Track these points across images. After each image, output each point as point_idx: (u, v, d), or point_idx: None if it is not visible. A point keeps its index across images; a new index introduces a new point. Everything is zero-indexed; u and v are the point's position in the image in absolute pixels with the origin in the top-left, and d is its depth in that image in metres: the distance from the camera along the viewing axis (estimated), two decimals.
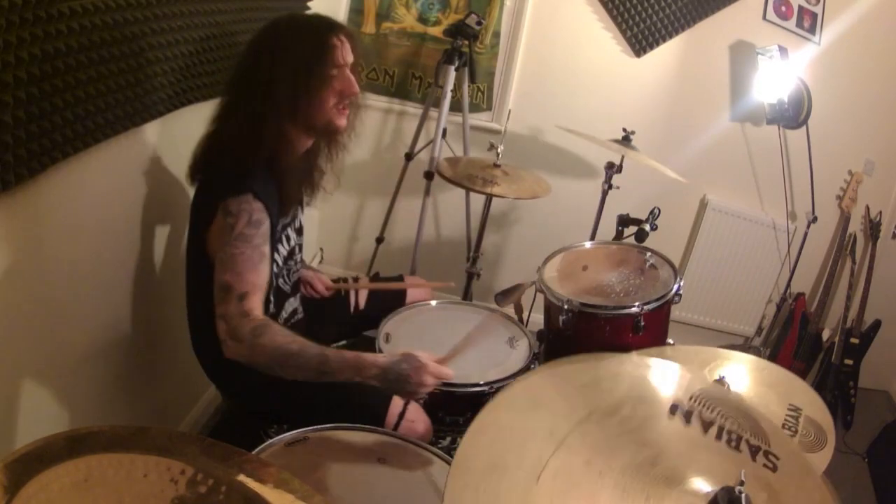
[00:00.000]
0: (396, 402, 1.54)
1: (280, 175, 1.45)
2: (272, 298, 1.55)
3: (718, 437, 0.89)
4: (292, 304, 1.70)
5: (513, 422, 0.87)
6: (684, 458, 0.84)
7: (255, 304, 1.31)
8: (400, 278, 2.05)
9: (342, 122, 1.51)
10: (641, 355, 1.05)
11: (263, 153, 1.42)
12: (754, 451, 0.88)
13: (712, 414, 0.92)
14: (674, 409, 0.91)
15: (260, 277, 1.35)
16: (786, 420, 1.22)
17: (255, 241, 1.35)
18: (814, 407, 1.27)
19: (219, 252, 1.35)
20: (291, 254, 1.65)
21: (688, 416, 0.91)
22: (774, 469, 0.86)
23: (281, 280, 1.61)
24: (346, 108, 1.51)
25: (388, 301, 1.96)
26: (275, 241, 1.49)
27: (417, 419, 1.54)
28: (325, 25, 1.47)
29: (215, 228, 1.38)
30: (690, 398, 0.94)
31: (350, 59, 1.48)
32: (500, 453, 0.81)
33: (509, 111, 2.84)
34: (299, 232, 1.66)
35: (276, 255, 1.54)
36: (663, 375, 0.98)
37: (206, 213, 1.40)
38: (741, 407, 0.94)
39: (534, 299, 2.26)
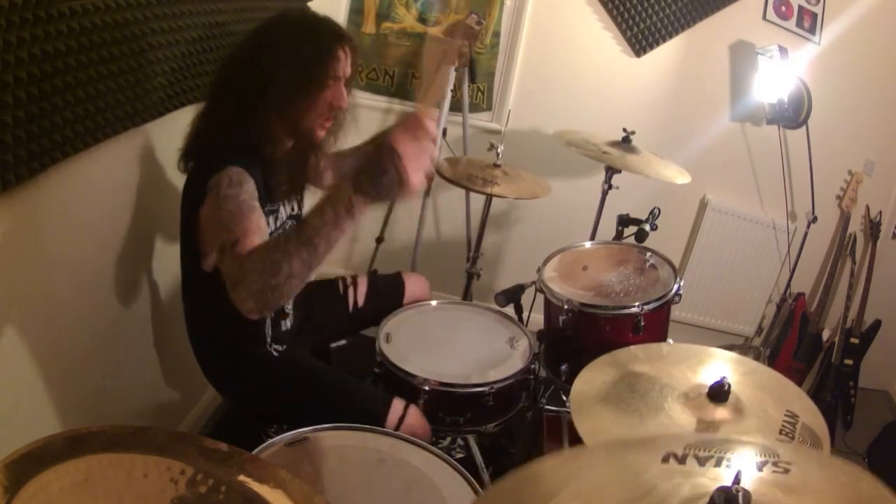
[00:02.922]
0: (396, 407, 1.54)
1: (266, 164, 1.44)
2: None
3: (717, 465, 0.88)
4: None
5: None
6: (681, 482, 0.83)
7: (247, 246, 1.25)
8: (398, 275, 2.05)
9: (321, 133, 1.50)
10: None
11: (248, 141, 1.40)
12: (760, 465, 0.86)
13: (709, 452, 0.90)
14: (667, 457, 0.89)
15: (251, 223, 1.29)
16: (783, 425, 1.22)
17: (241, 196, 1.32)
18: (809, 414, 1.26)
19: (208, 225, 1.32)
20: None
21: (683, 459, 0.88)
22: (786, 472, 0.84)
23: None
24: (329, 119, 1.50)
25: (388, 300, 1.96)
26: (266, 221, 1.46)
27: (416, 423, 1.54)
28: (335, 34, 1.46)
29: (205, 211, 1.36)
30: (685, 447, 0.92)
31: (348, 73, 1.48)
32: None
33: (509, 111, 2.84)
34: (284, 225, 1.65)
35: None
36: (653, 432, 0.96)
37: (193, 200, 1.39)
38: (741, 442, 0.93)
39: (534, 299, 2.26)
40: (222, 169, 1.35)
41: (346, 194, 1.17)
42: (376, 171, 1.15)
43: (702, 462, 0.88)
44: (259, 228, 1.30)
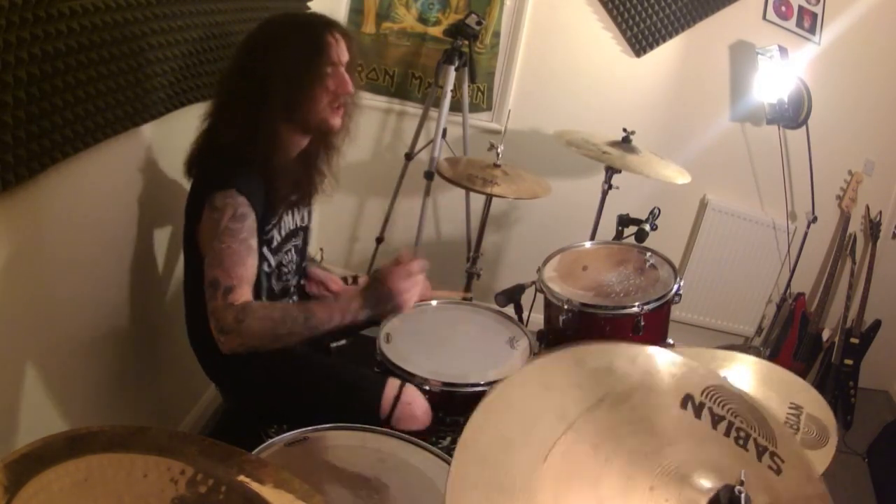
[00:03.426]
0: (392, 385, 1.53)
1: (270, 175, 1.45)
2: (263, 299, 1.55)
3: (727, 433, 0.88)
4: None
5: (524, 400, 0.86)
6: (692, 452, 0.84)
7: (240, 296, 1.32)
8: None
9: (336, 121, 1.50)
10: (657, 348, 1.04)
11: (255, 152, 1.42)
12: (761, 451, 0.88)
13: (723, 410, 0.91)
14: (685, 401, 0.91)
15: (247, 271, 1.36)
16: (787, 418, 1.22)
17: (241, 234, 1.36)
18: (815, 405, 1.26)
19: (207, 249, 1.36)
20: (283, 255, 1.63)
21: (699, 410, 0.90)
22: (778, 472, 0.85)
23: (273, 281, 1.61)
24: (340, 107, 1.50)
25: None
26: (263, 239, 1.49)
27: (414, 402, 1.52)
28: (321, 23, 1.47)
29: (203, 224, 1.39)
30: (703, 392, 0.93)
31: (345, 57, 1.48)
32: (509, 431, 0.81)
33: (509, 111, 2.84)
34: (293, 234, 1.66)
35: (267, 255, 1.54)
36: (678, 367, 0.97)
37: (196, 209, 1.41)
38: (752, 406, 0.94)
39: (534, 299, 2.26)
40: (225, 188, 1.37)
41: (354, 307, 1.37)
42: (378, 301, 1.38)
43: (715, 423, 0.89)
44: (252, 276, 1.38)
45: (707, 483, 0.80)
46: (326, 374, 1.59)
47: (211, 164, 1.45)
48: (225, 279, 1.32)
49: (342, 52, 1.47)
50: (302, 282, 1.82)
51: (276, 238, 1.57)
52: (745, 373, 1.36)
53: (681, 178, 2.41)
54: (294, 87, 1.42)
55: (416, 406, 1.52)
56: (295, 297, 1.75)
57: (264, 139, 1.42)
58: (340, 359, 1.70)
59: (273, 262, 1.58)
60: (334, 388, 1.52)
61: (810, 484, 0.86)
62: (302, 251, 1.74)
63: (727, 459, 0.84)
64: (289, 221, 1.61)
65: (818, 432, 1.19)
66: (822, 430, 1.19)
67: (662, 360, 0.97)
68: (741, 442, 0.88)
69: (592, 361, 0.93)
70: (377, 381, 1.54)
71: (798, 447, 0.93)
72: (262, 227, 1.46)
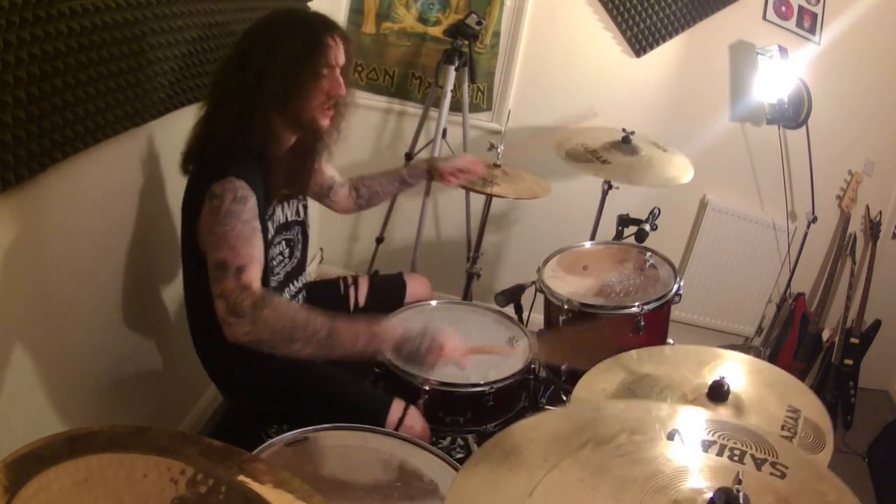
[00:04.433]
0: (396, 407, 1.54)
1: (265, 164, 1.45)
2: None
3: (720, 454, 0.88)
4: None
5: (507, 455, 0.88)
6: (683, 471, 0.84)
7: (254, 277, 1.29)
8: (399, 275, 2.05)
9: (325, 122, 1.51)
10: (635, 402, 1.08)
11: (251, 141, 1.42)
12: (759, 462, 0.87)
13: (713, 437, 0.91)
14: (672, 435, 0.90)
15: (255, 250, 1.33)
16: (785, 421, 1.22)
17: (245, 216, 1.34)
18: (812, 409, 1.26)
19: (209, 235, 1.34)
20: (273, 248, 1.63)
21: (687, 440, 0.90)
22: (783, 476, 0.85)
23: (270, 274, 1.60)
24: (331, 108, 1.51)
25: (389, 300, 1.96)
26: (264, 226, 1.48)
27: (416, 424, 1.54)
28: (322, 24, 1.48)
29: (203, 215, 1.38)
30: (690, 427, 0.93)
31: (342, 60, 1.49)
32: (494, 476, 0.83)
33: (509, 111, 2.84)
34: (285, 227, 1.65)
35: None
36: (661, 411, 0.98)
37: (195, 203, 1.40)
38: (746, 430, 0.93)
39: (534, 299, 2.26)
40: (224, 176, 1.36)
41: (381, 350, 1.35)
42: (408, 359, 1.35)
43: (706, 447, 0.89)
44: (261, 256, 1.35)
45: (700, 492, 0.80)
46: (331, 389, 1.58)
47: (207, 156, 1.45)
48: (234, 259, 1.28)
49: (339, 55, 1.48)
50: (302, 281, 1.82)
51: (270, 231, 1.57)
52: (743, 373, 1.35)
53: (682, 175, 2.39)
54: (290, 82, 1.42)
55: (417, 428, 1.54)
56: (288, 294, 1.74)
57: (259, 129, 1.42)
58: (342, 371, 1.68)
59: (273, 254, 1.57)
60: (338, 405, 1.51)
61: (822, 481, 0.86)
62: (298, 245, 1.73)
63: (722, 473, 0.83)
64: (280, 215, 1.61)
65: (815, 437, 1.19)
66: (819, 435, 1.19)
67: (645, 409, 0.99)
68: (736, 458, 0.87)
69: (574, 418, 0.95)
70: (382, 403, 1.55)
71: (801, 453, 0.93)
72: (263, 212, 1.44)
